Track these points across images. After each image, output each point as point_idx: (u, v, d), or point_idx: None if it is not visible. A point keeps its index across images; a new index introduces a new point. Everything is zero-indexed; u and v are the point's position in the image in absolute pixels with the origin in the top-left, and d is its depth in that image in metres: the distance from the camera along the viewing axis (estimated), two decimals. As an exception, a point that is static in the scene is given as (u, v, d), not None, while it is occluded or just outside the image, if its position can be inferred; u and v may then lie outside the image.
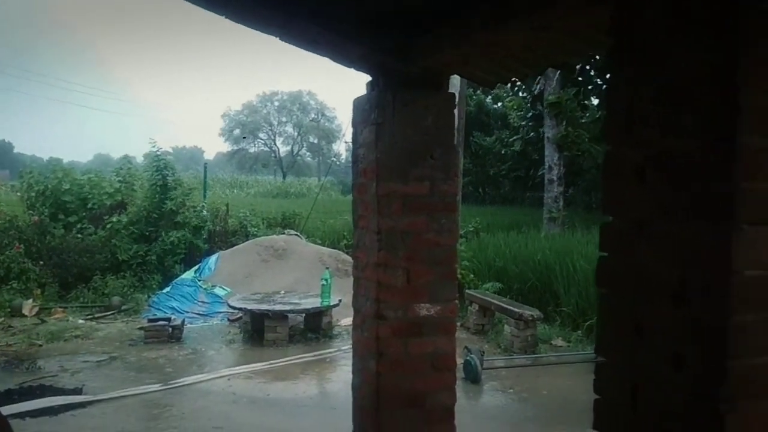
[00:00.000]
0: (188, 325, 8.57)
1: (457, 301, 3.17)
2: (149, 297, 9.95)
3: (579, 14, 2.13)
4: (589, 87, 15.36)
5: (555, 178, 14.96)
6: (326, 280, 7.98)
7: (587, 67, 14.86)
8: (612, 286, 1.60)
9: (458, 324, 8.21)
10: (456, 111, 10.96)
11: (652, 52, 1.47)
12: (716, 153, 1.31)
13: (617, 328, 1.55)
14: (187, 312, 9.15)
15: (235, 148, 61.45)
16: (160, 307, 9.33)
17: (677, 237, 1.38)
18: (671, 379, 1.37)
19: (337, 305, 8.01)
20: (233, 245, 11.43)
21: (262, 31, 3.10)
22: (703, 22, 1.36)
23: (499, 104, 26.70)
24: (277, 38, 3.15)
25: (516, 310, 7.37)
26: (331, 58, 3.35)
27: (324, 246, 11.84)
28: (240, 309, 8.13)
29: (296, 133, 62.02)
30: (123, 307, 9.67)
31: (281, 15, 2.91)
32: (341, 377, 6.24)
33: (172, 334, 7.95)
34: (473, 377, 6.28)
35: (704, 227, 1.32)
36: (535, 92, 17.58)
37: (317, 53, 3.33)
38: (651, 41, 1.48)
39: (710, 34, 1.34)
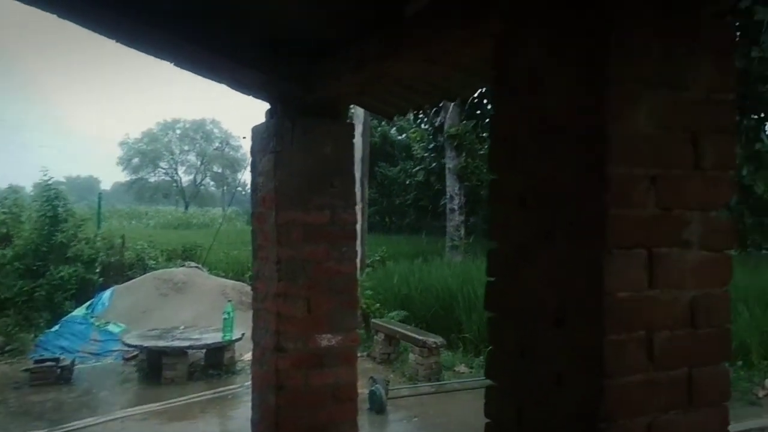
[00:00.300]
0: (79, 366, 8.04)
1: (358, 330, 3.17)
2: (36, 336, 9.26)
3: (467, 48, 2.22)
4: (486, 120, 15.99)
5: (456, 207, 15.37)
6: (228, 313, 7.74)
7: (484, 101, 15.50)
8: (499, 310, 1.65)
9: (364, 354, 8.18)
10: (360, 141, 11.07)
11: (531, 85, 1.55)
12: (588, 181, 1.39)
13: (504, 351, 1.60)
14: (78, 351, 8.58)
15: (134, 177, 59.08)
16: (48, 347, 8.70)
17: (555, 261, 1.45)
18: (553, 398, 1.42)
19: (239, 339, 7.78)
20: (130, 279, 10.90)
21: (155, 56, 3.02)
22: (576, 58, 1.45)
23: (403, 136, 27.26)
24: (171, 64, 3.09)
25: (420, 338, 7.43)
26: (228, 85, 3.30)
27: (227, 278, 11.52)
28: (135, 346, 7.73)
29: (199, 162, 60.48)
30: (6, 348, 8.95)
31: (174, 40, 2.84)
32: (244, 414, 6.00)
33: (61, 376, 7.43)
34: (378, 407, 6.25)
35: (579, 251, 1.39)
36: (436, 124, 18.10)
37: (214, 80, 3.28)
38: (529, 75, 1.56)
39: (582, 70, 1.43)
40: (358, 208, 12.80)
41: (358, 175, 12.22)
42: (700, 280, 1.45)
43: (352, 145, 3.15)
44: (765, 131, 13.51)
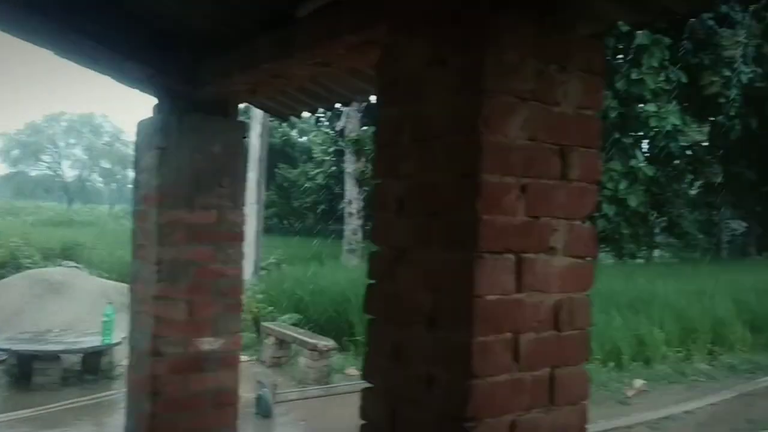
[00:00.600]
0: (-62, 371, 7.37)
1: (245, 334, 3.10)
2: None
3: (358, 53, 2.23)
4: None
5: (354, 211, 15.47)
6: (108, 315, 7.35)
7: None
8: (377, 312, 1.66)
9: (254, 358, 8.03)
10: (258, 141, 10.86)
11: (412, 93, 1.59)
12: (462, 188, 1.43)
13: (380, 352, 1.62)
14: (-62, 356, 7.86)
15: (13, 170, 55.04)
16: None
17: (430, 264, 1.49)
18: (424, 399, 1.45)
19: (120, 344, 7.40)
20: (1, 279, 10.13)
21: (34, 44, 2.84)
22: (455, 70, 1.49)
23: (305, 138, 27.14)
24: (52, 53, 2.91)
25: (311, 341, 7.39)
26: (113, 78, 3.15)
27: (110, 279, 10.95)
28: (3, 350, 7.18)
29: (86, 157, 57.23)
30: None
31: (54, 27, 2.68)
32: (121, 422, 5.74)
33: None
34: (265, 412, 6.14)
35: (452, 255, 1.43)
36: (337, 129, 18.15)
37: (98, 71, 3.12)
38: (411, 84, 1.59)
39: (460, 81, 1.48)
40: (255, 209, 12.52)
41: (255, 175, 12.02)
42: (564, 285, 1.53)
43: (242, 144, 3.09)
44: (640, 149, 14.57)
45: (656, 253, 19.26)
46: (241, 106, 3.42)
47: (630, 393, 6.93)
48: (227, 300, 2.92)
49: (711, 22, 14.09)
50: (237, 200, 3.04)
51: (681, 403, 6.65)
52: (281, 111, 3.45)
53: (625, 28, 10.78)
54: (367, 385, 1.65)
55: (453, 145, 1.47)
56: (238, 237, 3.04)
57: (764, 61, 15.27)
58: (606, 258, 15.00)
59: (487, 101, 1.43)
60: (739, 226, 22.95)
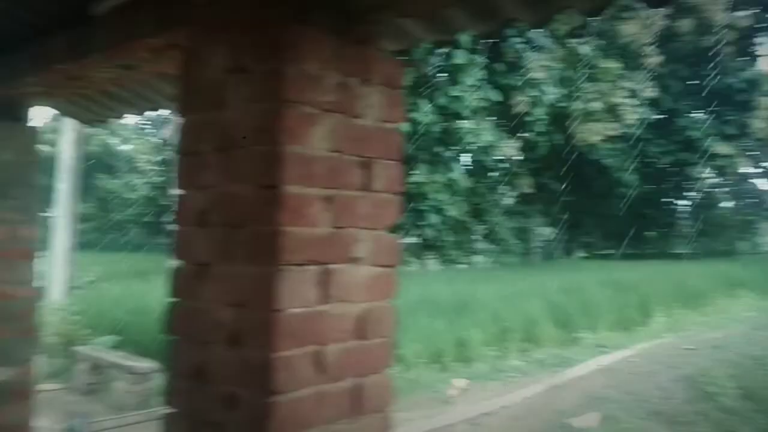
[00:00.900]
0: None
1: (39, 361, 2.80)
2: None
3: (165, 58, 2.11)
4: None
5: (182, 224, 14.81)
6: None
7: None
8: (179, 332, 1.57)
9: (64, 386, 7.33)
10: (71, 149, 9.92)
11: (214, 101, 1.52)
12: (265, 199, 1.40)
13: (182, 374, 1.53)
14: None
15: None
16: None
17: (233, 279, 1.43)
18: (227, 420, 1.39)
19: None
20: None
21: None
22: (256, 79, 1.46)
23: (127, 146, 25.52)
24: None
25: (130, 364, 6.90)
26: None
27: None
28: None
29: None
30: None
31: None
32: None
33: None
34: (77, 444, 5.62)
35: (254, 269, 1.39)
36: (163, 137, 17.31)
37: None
38: (213, 91, 1.53)
39: (261, 91, 1.45)
40: (67, 223, 11.47)
41: (67, 186, 11.03)
42: (368, 294, 1.55)
43: (35, 152, 2.81)
44: (460, 162, 15.54)
45: (477, 258, 20.58)
46: (46, 110, 3.12)
47: (452, 392, 7.28)
48: (17, 325, 2.62)
49: (520, 46, 15.42)
50: (30, 213, 2.76)
51: (497, 399, 7.12)
52: (86, 116, 3.19)
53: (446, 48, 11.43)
54: (170, 410, 1.55)
55: (255, 156, 1.43)
56: (31, 254, 2.75)
57: (567, 82, 17.04)
58: (431, 264, 15.74)
59: (288, 112, 1.41)
60: (548, 232, 25.24)
